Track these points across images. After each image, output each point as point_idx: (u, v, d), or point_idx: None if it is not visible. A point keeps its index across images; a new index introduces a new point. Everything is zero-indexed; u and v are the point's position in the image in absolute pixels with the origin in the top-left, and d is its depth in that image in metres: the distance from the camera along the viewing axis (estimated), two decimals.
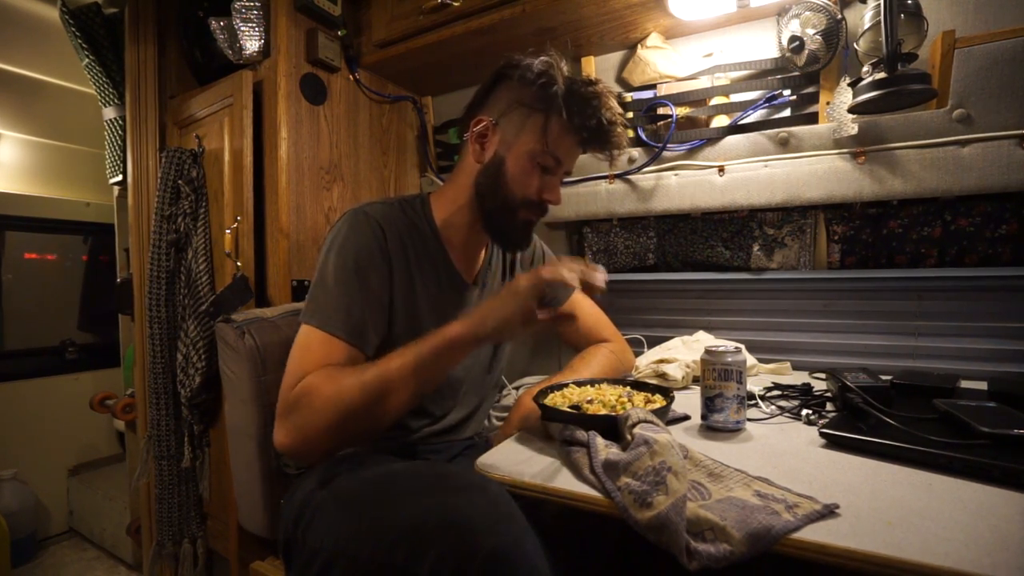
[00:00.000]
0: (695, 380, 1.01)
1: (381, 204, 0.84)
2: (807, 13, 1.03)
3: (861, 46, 0.94)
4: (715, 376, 0.70)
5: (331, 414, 0.67)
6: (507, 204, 0.82)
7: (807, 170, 1.07)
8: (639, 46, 1.25)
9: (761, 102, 1.13)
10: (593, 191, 1.30)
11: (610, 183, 1.28)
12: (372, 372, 0.68)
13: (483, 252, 0.94)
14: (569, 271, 0.66)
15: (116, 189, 1.75)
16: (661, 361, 1.02)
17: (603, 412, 0.69)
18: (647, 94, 1.26)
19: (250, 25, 1.25)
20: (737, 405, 0.70)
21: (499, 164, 0.82)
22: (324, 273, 0.77)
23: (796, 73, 1.09)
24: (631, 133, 1.28)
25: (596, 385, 0.82)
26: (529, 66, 0.80)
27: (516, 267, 1.00)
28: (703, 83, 1.20)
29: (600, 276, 0.68)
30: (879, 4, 0.86)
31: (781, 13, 1.09)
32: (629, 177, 1.26)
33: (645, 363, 1.03)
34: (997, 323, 0.99)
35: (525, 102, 0.81)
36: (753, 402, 0.82)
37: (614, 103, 0.82)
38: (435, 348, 0.68)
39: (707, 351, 0.71)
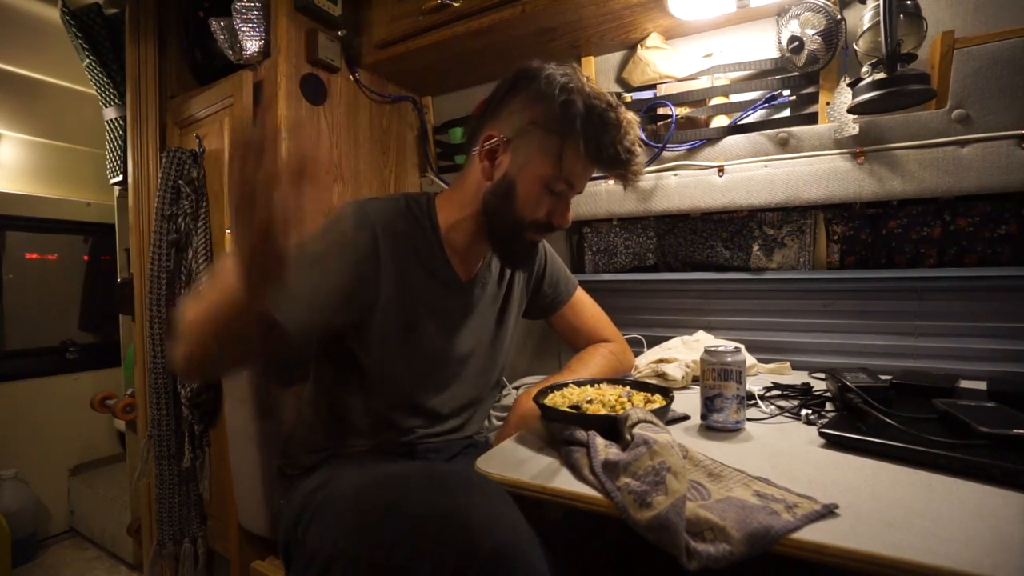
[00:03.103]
0: (695, 380, 1.01)
1: (384, 200, 0.83)
2: (807, 13, 1.03)
3: (860, 46, 0.94)
4: (715, 376, 0.70)
5: (186, 336, 0.61)
6: (516, 226, 0.80)
7: (807, 170, 1.07)
8: (639, 46, 1.26)
9: (761, 102, 1.13)
10: (593, 191, 1.30)
11: (610, 183, 1.29)
12: (208, 296, 0.59)
13: (482, 257, 0.94)
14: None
15: (117, 189, 1.75)
16: (661, 361, 1.02)
17: (603, 412, 0.69)
18: (647, 94, 1.26)
19: (250, 25, 1.25)
20: (737, 405, 0.70)
21: (510, 186, 0.78)
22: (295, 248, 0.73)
23: (796, 73, 1.09)
24: None
25: (596, 385, 0.82)
26: (548, 80, 0.75)
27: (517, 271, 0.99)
28: (703, 83, 1.20)
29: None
30: (878, 4, 0.86)
31: (781, 13, 1.09)
32: None
33: (645, 363, 1.03)
34: (997, 323, 0.99)
35: (540, 123, 0.76)
36: (753, 402, 0.82)
37: (635, 130, 0.79)
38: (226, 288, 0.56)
39: (707, 351, 0.71)
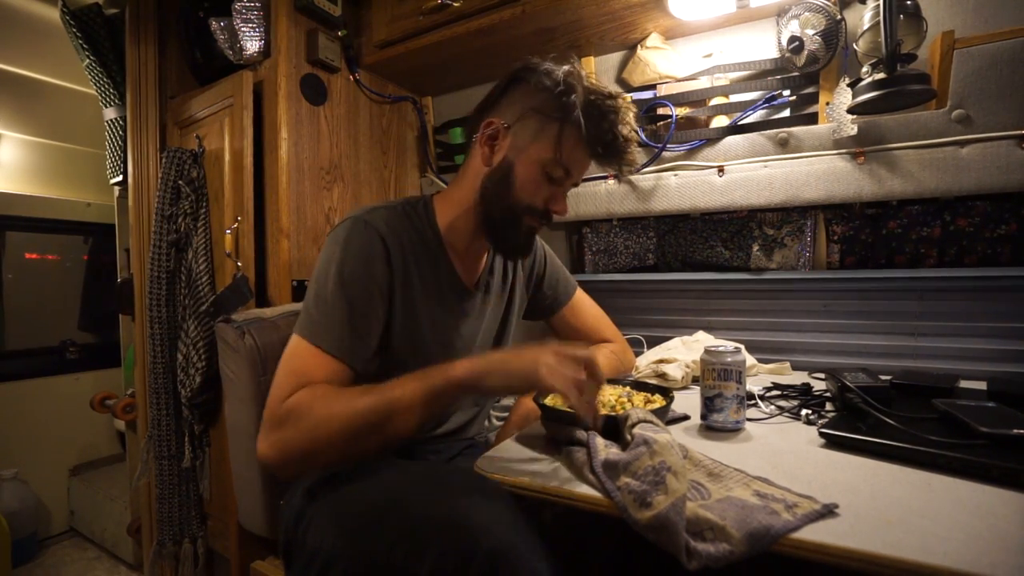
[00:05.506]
0: (695, 380, 1.01)
1: (385, 209, 0.83)
2: (807, 14, 1.03)
3: (860, 46, 0.94)
4: (715, 376, 0.70)
5: (318, 437, 0.64)
6: (513, 211, 0.80)
7: (806, 170, 1.07)
8: (639, 46, 1.26)
9: (761, 102, 1.13)
10: (593, 191, 1.31)
11: (610, 183, 1.29)
12: (367, 400, 0.65)
13: (484, 257, 0.93)
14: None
15: (117, 189, 1.75)
16: (661, 361, 1.02)
17: (603, 412, 0.69)
18: (647, 94, 1.26)
19: (250, 25, 1.25)
20: (737, 405, 0.70)
21: (507, 169, 0.80)
22: (321, 285, 0.74)
23: (796, 73, 1.09)
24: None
25: None
26: (548, 72, 0.77)
27: (518, 271, 0.99)
28: (703, 83, 1.20)
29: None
30: (878, 4, 0.86)
31: (781, 13, 1.09)
32: (629, 177, 1.26)
33: (645, 363, 1.03)
34: (996, 323, 0.99)
35: (540, 109, 0.78)
36: (753, 402, 0.82)
37: (632, 119, 0.80)
38: (435, 386, 0.65)
39: (707, 351, 0.71)
